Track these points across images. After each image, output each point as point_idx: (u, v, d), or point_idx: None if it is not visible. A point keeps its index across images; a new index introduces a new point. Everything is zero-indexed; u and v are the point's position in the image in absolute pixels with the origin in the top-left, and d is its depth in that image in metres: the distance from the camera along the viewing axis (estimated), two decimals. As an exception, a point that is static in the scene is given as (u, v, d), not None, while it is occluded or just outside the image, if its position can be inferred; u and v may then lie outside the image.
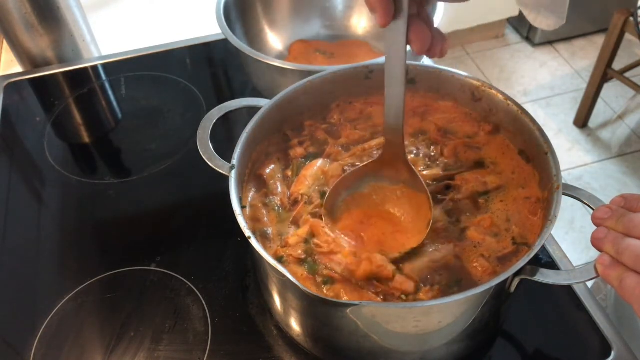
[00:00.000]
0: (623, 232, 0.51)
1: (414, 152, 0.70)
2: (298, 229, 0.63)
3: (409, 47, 0.54)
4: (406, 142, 0.71)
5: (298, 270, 0.59)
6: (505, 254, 0.59)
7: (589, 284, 0.86)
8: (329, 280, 0.58)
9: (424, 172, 0.67)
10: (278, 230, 0.63)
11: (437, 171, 0.68)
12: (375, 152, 0.70)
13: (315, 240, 0.61)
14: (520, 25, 2.89)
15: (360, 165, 0.64)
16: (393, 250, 0.60)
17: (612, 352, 0.64)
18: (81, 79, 1.05)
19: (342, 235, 0.61)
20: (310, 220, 0.62)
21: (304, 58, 1.01)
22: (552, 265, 0.72)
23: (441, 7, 0.86)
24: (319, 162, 0.69)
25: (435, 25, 0.58)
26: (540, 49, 2.84)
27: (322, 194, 0.65)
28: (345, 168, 0.68)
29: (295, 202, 0.65)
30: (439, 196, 0.65)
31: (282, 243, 0.62)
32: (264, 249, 0.54)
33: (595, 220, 0.54)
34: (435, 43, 0.55)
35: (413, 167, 0.62)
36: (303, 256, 0.60)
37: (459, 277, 0.58)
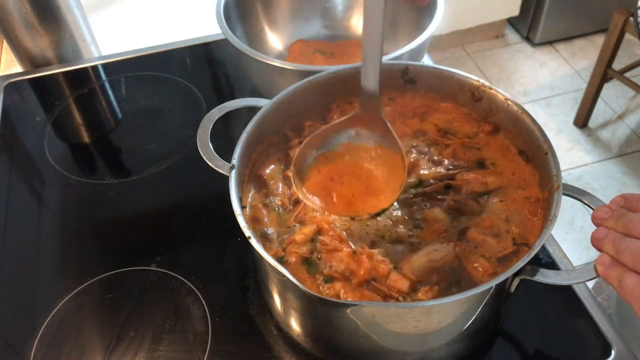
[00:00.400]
0: (623, 231, 0.51)
1: (414, 151, 0.70)
2: (304, 227, 0.62)
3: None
4: (406, 142, 0.71)
5: (298, 270, 0.59)
6: (505, 254, 0.59)
7: (590, 284, 0.86)
8: (329, 279, 0.58)
9: (424, 172, 0.67)
10: (278, 231, 0.63)
11: (437, 171, 0.68)
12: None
13: (321, 238, 0.61)
14: (520, 25, 2.89)
15: (334, 122, 0.62)
16: (362, 212, 0.59)
17: (612, 352, 0.64)
18: (81, 79, 1.05)
19: (310, 196, 0.60)
20: (317, 218, 0.62)
21: (304, 58, 1.01)
22: (552, 265, 0.72)
23: (441, 8, 0.86)
24: (319, 162, 0.69)
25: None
26: (540, 49, 2.84)
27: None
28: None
29: (297, 202, 0.65)
30: (440, 196, 0.65)
31: (288, 240, 0.61)
32: (263, 249, 0.54)
33: (595, 220, 0.54)
34: None
35: (389, 124, 0.60)
36: (308, 254, 0.60)
37: (459, 278, 0.58)
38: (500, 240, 0.61)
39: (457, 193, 0.65)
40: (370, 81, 0.58)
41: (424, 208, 0.64)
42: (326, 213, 0.59)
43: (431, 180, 0.67)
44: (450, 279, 0.58)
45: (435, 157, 0.70)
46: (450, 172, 0.67)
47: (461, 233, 0.62)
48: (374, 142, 0.61)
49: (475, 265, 0.59)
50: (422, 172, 0.67)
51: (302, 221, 0.64)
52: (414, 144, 0.71)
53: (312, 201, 0.59)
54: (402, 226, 0.63)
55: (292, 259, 0.60)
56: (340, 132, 0.62)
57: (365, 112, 0.60)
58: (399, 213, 0.64)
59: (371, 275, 0.58)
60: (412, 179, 0.67)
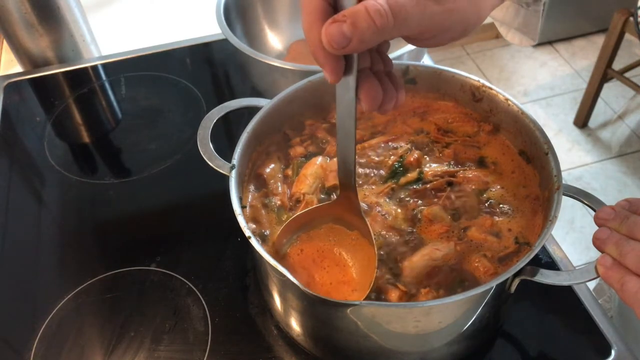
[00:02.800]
0: (626, 234, 0.51)
1: (416, 148, 0.70)
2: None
3: None
4: (407, 140, 0.71)
5: None
6: (507, 254, 0.59)
7: (591, 286, 0.86)
8: None
9: (426, 169, 0.67)
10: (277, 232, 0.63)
11: (439, 168, 0.68)
12: (370, 154, 0.70)
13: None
14: (520, 25, 2.88)
15: (315, 206, 0.61)
16: None
17: (612, 352, 0.64)
18: (81, 79, 1.05)
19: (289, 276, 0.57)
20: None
21: (303, 58, 1.01)
22: (552, 265, 0.72)
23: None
24: (319, 160, 0.69)
25: None
26: (540, 49, 2.84)
27: (322, 192, 0.66)
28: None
29: (297, 202, 0.65)
30: (440, 193, 0.65)
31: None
32: (263, 249, 0.54)
33: (598, 221, 0.54)
34: (388, 99, 0.49)
35: (365, 219, 0.59)
36: None
37: (462, 278, 0.58)
38: (502, 239, 0.61)
39: (458, 190, 0.65)
40: (345, 172, 0.56)
41: (422, 205, 0.64)
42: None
43: (433, 177, 0.67)
44: (452, 279, 0.58)
45: (436, 155, 0.70)
46: (452, 169, 0.67)
47: (462, 232, 0.62)
48: (354, 229, 0.61)
49: (477, 264, 0.59)
50: (424, 169, 0.67)
51: None
52: (415, 142, 0.71)
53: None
54: (401, 222, 0.63)
55: None
56: (322, 216, 0.61)
57: (344, 202, 0.59)
58: (399, 209, 0.64)
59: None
60: (414, 174, 0.67)
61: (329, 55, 0.44)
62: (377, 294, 0.57)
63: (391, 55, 0.79)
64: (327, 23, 0.42)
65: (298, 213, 0.61)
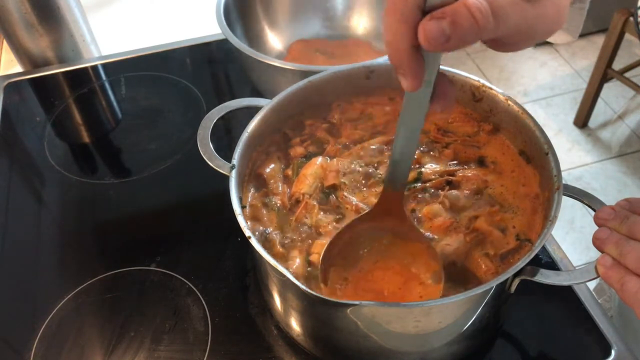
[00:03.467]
0: (626, 234, 0.51)
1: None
2: (320, 237, 0.61)
3: None
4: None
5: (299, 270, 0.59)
6: (508, 250, 0.59)
7: (592, 286, 0.86)
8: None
9: (425, 170, 0.67)
10: (278, 231, 0.63)
11: (438, 167, 0.68)
12: (373, 147, 0.70)
13: None
14: (520, 25, 2.88)
15: (353, 220, 0.59)
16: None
17: (612, 352, 0.64)
18: (81, 79, 1.05)
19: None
20: (330, 231, 0.62)
21: (304, 58, 1.01)
22: (552, 265, 0.72)
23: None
24: (319, 160, 0.69)
25: None
26: (540, 49, 2.84)
27: (323, 193, 0.66)
28: (343, 165, 0.68)
29: (297, 202, 0.65)
30: (439, 191, 0.65)
31: (308, 251, 0.60)
32: (263, 249, 0.54)
33: (598, 221, 0.54)
34: (453, 97, 0.49)
35: (412, 221, 0.58)
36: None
37: (465, 277, 0.58)
38: (507, 234, 0.61)
39: (457, 189, 0.65)
40: (398, 176, 0.55)
41: (422, 205, 0.64)
42: None
43: (432, 176, 0.67)
44: (456, 279, 0.58)
45: (436, 155, 0.70)
46: (452, 168, 0.67)
47: (469, 223, 0.62)
48: (386, 233, 0.59)
49: (479, 262, 0.59)
50: (423, 168, 0.68)
51: (302, 222, 0.64)
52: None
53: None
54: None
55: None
56: (359, 229, 0.59)
57: (385, 205, 0.57)
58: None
59: None
60: (413, 174, 0.67)
61: (414, 61, 0.43)
62: None
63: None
64: (425, 20, 0.40)
65: (334, 236, 0.58)
